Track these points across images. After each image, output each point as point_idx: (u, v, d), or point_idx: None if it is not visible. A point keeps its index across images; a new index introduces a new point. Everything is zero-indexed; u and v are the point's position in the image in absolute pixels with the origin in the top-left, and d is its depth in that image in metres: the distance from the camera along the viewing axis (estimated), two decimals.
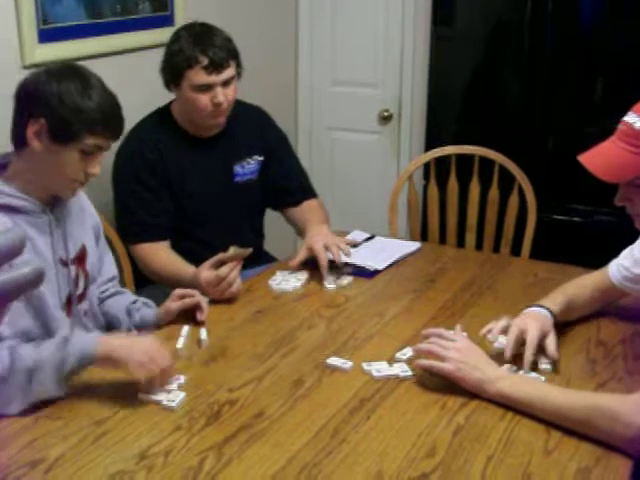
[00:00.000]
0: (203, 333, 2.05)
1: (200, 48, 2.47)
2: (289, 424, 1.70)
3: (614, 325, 2.18)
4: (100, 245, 2.17)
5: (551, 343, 1.95)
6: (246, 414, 1.73)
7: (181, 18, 3.11)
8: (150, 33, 3.02)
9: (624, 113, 1.83)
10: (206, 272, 2.27)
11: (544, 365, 1.92)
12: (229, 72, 2.52)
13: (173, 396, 1.78)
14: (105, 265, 2.20)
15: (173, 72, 2.53)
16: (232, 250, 2.26)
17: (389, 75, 3.97)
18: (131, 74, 2.88)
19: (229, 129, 2.67)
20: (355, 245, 2.69)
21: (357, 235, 2.78)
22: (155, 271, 2.56)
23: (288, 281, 2.44)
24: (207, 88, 2.50)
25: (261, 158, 2.77)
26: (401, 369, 1.91)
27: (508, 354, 1.89)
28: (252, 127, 2.76)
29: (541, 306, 2.04)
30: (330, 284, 2.43)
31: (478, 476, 1.54)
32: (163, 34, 2.82)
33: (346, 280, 2.46)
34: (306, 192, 2.87)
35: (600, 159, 1.78)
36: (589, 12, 3.74)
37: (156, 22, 3.06)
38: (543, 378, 1.87)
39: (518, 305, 2.25)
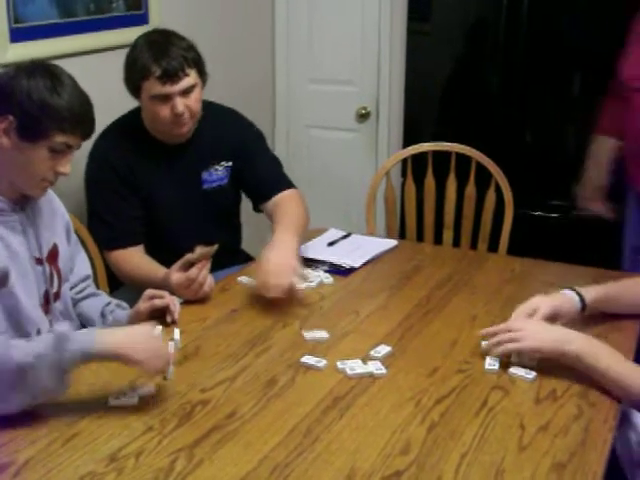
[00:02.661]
0: (176, 333, 2.03)
1: (153, 58, 2.41)
2: (261, 424, 1.68)
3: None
4: (72, 244, 2.15)
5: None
6: (218, 414, 1.72)
7: (156, 17, 3.09)
8: (124, 32, 2.99)
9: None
10: (176, 274, 2.25)
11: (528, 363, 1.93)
12: (187, 81, 2.44)
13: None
14: (78, 264, 2.19)
15: (132, 82, 2.49)
16: (198, 250, 2.24)
17: (366, 72, 3.96)
18: (105, 73, 2.85)
19: (197, 135, 2.62)
20: (332, 243, 2.68)
21: (333, 233, 2.77)
22: (128, 276, 2.55)
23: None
24: (165, 98, 2.44)
25: (229, 164, 2.71)
26: (375, 367, 1.90)
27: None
28: (223, 131, 2.70)
29: (572, 289, 2.08)
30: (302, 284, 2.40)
31: (452, 473, 1.53)
32: (137, 33, 2.79)
33: (316, 281, 2.44)
34: (280, 185, 2.74)
35: None
36: (565, 8, 3.75)
37: (130, 21, 3.04)
38: (532, 375, 1.88)
39: (495, 301, 2.26)
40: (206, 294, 2.28)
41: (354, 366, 1.89)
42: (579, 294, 2.08)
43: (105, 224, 2.56)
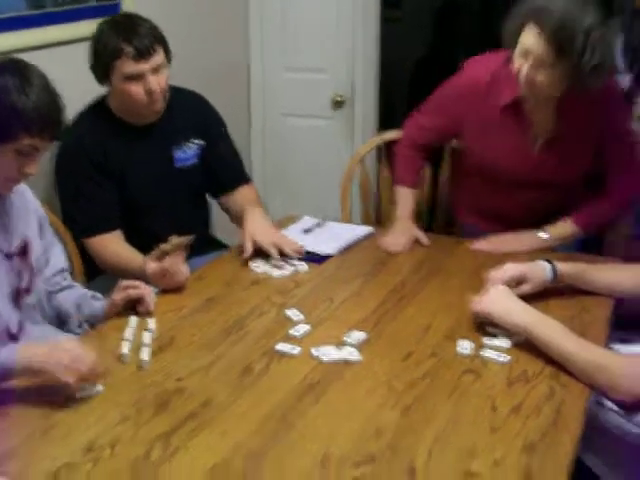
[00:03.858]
0: (151, 323, 2.04)
1: (124, 37, 2.46)
2: (237, 411, 1.70)
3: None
4: (46, 237, 2.15)
5: (522, 289, 2.11)
6: (194, 403, 1.73)
7: (129, 6, 3.08)
8: (96, 23, 2.98)
9: None
10: (151, 264, 2.26)
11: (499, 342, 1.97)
12: (157, 59, 2.51)
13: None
14: (53, 257, 2.18)
15: (102, 66, 2.52)
16: (173, 240, 2.25)
17: (341, 60, 3.96)
18: (76, 65, 2.84)
19: (166, 115, 2.66)
20: (307, 230, 2.70)
21: (307, 221, 2.78)
22: (108, 263, 2.57)
23: (272, 268, 2.45)
24: (138, 77, 2.49)
25: (202, 142, 2.76)
26: (350, 353, 1.91)
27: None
28: (190, 112, 2.76)
29: (547, 260, 2.17)
30: (278, 271, 2.43)
31: (425, 455, 1.55)
32: None
33: (290, 269, 2.45)
34: (240, 178, 2.88)
35: None
36: None
37: (102, 11, 3.01)
38: (505, 358, 1.91)
39: (468, 286, 2.27)
40: (181, 283, 2.29)
41: (328, 352, 1.91)
42: (552, 264, 2.16)
43: (81, 211, 2.58)
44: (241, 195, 2.82)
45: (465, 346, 1.94)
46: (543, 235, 2.59)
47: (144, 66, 2.48)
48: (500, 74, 2.54)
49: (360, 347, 1.95)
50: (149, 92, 2.51)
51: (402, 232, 2.66)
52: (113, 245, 2.56)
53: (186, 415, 1.68)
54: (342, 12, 3.92)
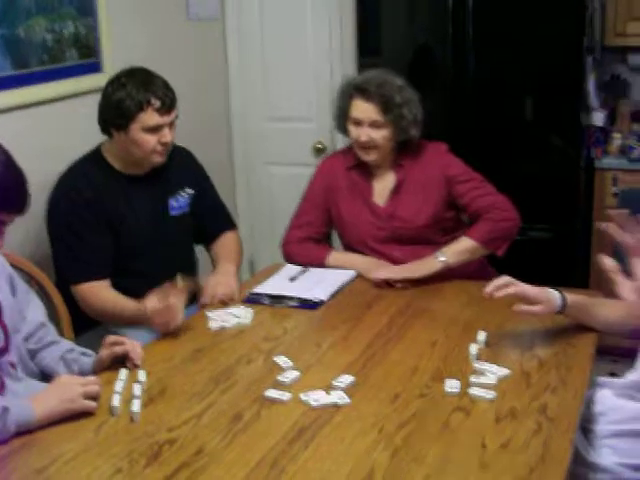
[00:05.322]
0: (141, 375, 2.06)
1: (151, 91, 2.56)
2: (228, 459, 1.71)
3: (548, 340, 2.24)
4: (18, 294, 2.12)
5: (534, 309, 2.15)
6: (186, 452, 1.74)
7: (109, 64, 3.13)
8: (78, 80, 3.04)
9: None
10: (153, 302, 2.31)
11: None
12: (175, 113, 2.64)
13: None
14: (30, 312, 2.16)
15: (122, 116, 2.57)
16: (179, 281, 2.30)
17: (321, 108, 4.02)
18: (60, 123, 2.89)
19: (160, 166, 2.73)
20: (293, 278, 2.73)
21: (291, 269, 2.81)
22: (99, 310, 2.61)
23: (227, 320, 2.45)
24: (156, 129, 2.58)
25: (192, 191, 2.85)
26: (339, 397, 1.93)
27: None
28: (181, 163, 2.84)
29: (557, 289, 2.21)
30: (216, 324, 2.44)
31: None
32: (92, 81, 2.85)
33: (232, 321, 2.45)
34: (224, 225, 2.98)
35: None
36: (509, 34, 3.86)
37: (84, 69, 3.08)
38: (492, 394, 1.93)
39: (454, 325, 2.31)
40: (177, 326, 2.33)
41: (318, 397, 1.93)
42: (561, 293, 2.19)
43: (74, 258, 2.61)
44: (221, 243, 2.92)
45: (453, 385, 1.96)
46: (440, 257, 2.69)
47: (166, 119, 2.59)
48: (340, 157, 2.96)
49: (348, 391, 1.97)
50: (163, 144, 2.61)
51: (380, 263, 2.78)
52: (104, 292, 2.60)
53: (179, 465, 1.69)
54: (319, 61, 4.02)
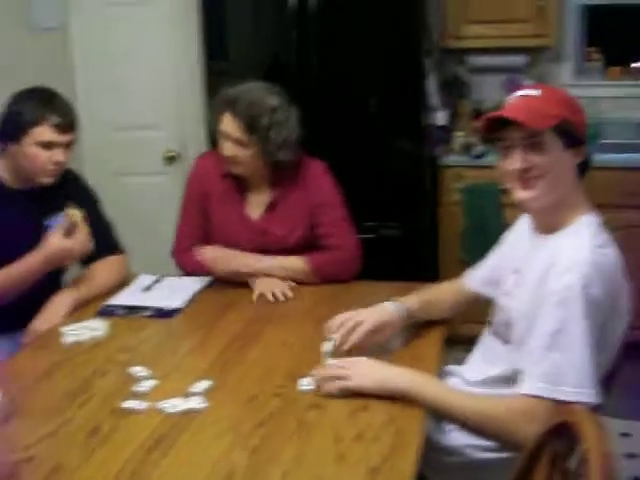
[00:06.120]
0: None
1: (51, 108, 2.55)
2: (86, 473, 1.70)
3: None
4: None
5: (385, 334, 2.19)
6: (43, 470, 1.71)
7: None
8: None
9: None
10: (58, 237, 2.51)
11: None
12: (72, 136, 2.62)
13: None
14: None
15: (17, 128, 2.55)
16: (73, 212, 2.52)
17: (169, 115, 4.03)
18: None
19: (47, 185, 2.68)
20: (147, 288, 2.72)
21: (145, 279, 2.81)
22: None
23: (81, 333, 2.42)
24: (50, 146, 2.56)
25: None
26: (196, 402, 1.95)
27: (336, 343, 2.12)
28: (65, 185, 2.76)
29: (391, 301, 2.24)
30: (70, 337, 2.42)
31: None
32: None
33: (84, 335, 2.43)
34: (103, 249, 2.80)
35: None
36: (351, 36, 3.97)
37: None
38: None
39: (306, 325, 2.36)
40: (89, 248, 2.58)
41: (175, 404, 1.94)
42: (400, 303, 2.24)
43: None
44: (93, 267, 2.78)
45: (305, 383, 2.02)
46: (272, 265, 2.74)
47: (62, 138, 2.57)
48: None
49: (207, 395, 1.99)
50: (55, 163, 2.59)
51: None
52: None
53: None
54: (164, 68, 4.02)
